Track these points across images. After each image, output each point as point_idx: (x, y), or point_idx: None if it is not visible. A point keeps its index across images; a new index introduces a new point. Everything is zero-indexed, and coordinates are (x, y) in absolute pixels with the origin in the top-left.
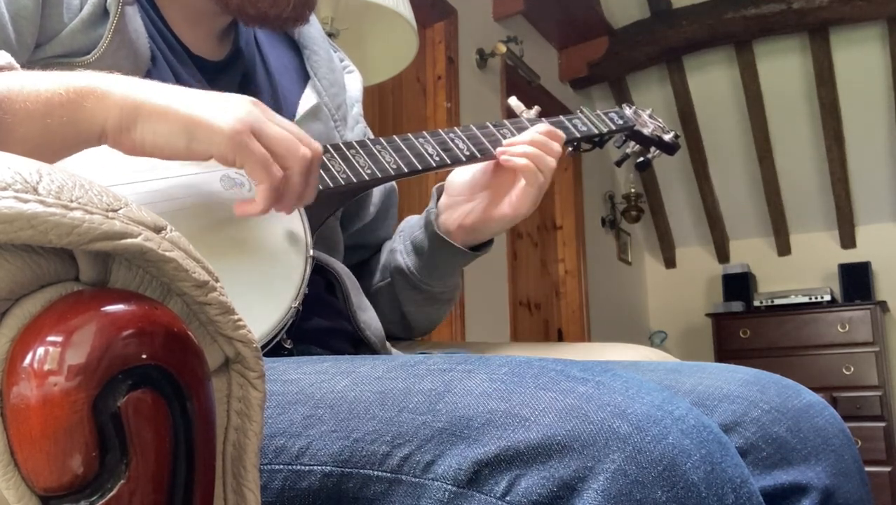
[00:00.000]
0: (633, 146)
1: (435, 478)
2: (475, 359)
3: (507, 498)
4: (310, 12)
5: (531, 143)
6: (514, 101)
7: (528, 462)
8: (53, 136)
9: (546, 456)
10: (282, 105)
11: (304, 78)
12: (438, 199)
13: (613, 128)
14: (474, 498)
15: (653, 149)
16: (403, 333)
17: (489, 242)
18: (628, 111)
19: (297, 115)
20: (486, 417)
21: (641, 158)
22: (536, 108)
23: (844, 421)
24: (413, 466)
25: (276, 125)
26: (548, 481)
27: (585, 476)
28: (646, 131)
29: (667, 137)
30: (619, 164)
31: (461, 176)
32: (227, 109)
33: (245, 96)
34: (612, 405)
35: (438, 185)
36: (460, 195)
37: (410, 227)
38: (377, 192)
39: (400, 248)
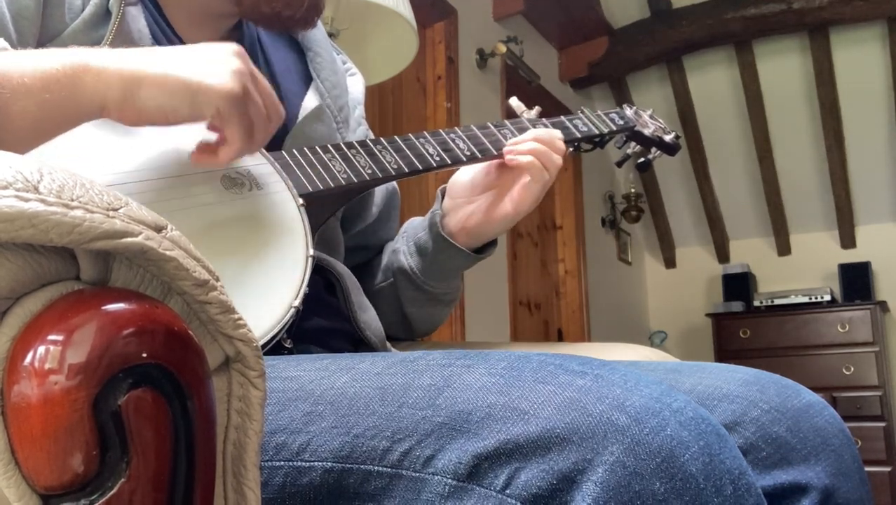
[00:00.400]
0: (633, 147)
1: (435, 472)
2: (474, 354)
3: (507, 491)
4: (318, 17)
5: (536, 139)
6: (514, 102)
7: (527, 455)
8: (52, 110)
9: (545, 449)
10: (285, 106)
11: (307, 80)
12: (443, 200)
13: (614, 128)
14: (474, 492)
15: (654, 149)
16: (404, 334)
17: (493, 245)
18: (629, 112)
19: (300, 117)
20: (485, 411)
21: (642, 159)
22: (537, 109)
23: (844, 421)
24: (413, 460)
25: (258, 87)
26: (547, 474)
27: (584, 468)
28: (647, 132)
29: (667, 138)
30: (619, 164)
31: (462, 178)
32: (222, 70)
33: (232, 49)
34: (611, 398)
35: (442, 186)
36: (461, 197)
37: (413, 228)
38: (379, 194)
39: (403, 248)
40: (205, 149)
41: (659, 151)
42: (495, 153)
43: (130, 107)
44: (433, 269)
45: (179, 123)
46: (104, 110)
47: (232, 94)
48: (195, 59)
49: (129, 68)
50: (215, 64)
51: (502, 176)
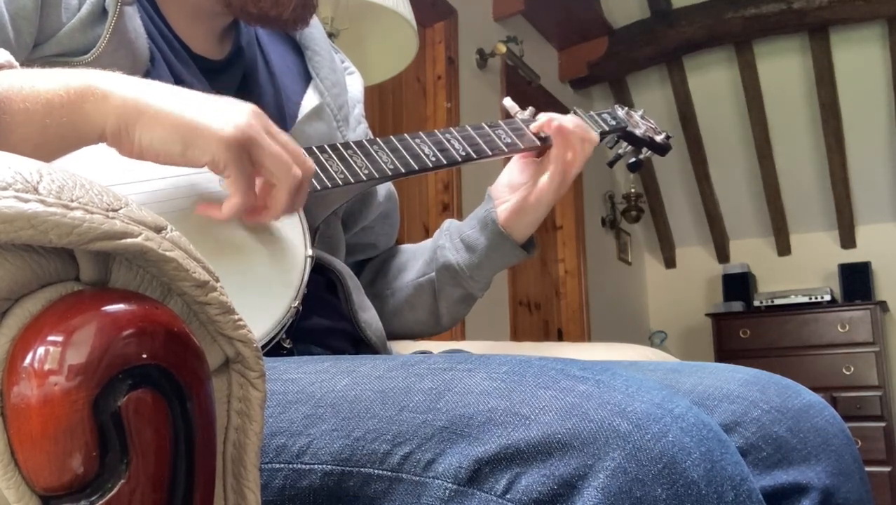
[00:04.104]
0: (625, 147)
1: (436, 476)
2: (475, 358)
3: (508, 496)
4: (310, 15)
5: (574, 125)
6: (508, 102)
7: (528, 460)
8: (52, 135)
9: (546, 454)
10: (284, 105)
11: (306, 79)
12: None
13: (606, 128)
14: (475, 496)
15: (645, 150)
16: (428, 330)
17: (534, 244)
18: (620, 112)
19: (300, 116)
20: (486, 416)
21: (633, 159)
22: (531, 109)
23: (844, 421)
24: (414, 464)
25: (272, 140)
26: (548, 479)
27: (586, 474)
28: (638, 132)
29: (658, 138)
30: (611, 165)
31: (501, 178)
32: (226, 117)
33: (248, 105)
34: (612, 403)
35: (490, 187)
36: (500, 197)
37: (457, 226)
38: (381, 193)
39: (448, 245)
40: (210, 204)
41: (650, 152)
42: (490, 153)
43: (126, 140)
44: (482, 264)
45: (173, 164)
46: (102, 138)
47: (229, 143)
48: (203, 104)
49: (130, 97)
50: (222, 112)
51: (536, 171)
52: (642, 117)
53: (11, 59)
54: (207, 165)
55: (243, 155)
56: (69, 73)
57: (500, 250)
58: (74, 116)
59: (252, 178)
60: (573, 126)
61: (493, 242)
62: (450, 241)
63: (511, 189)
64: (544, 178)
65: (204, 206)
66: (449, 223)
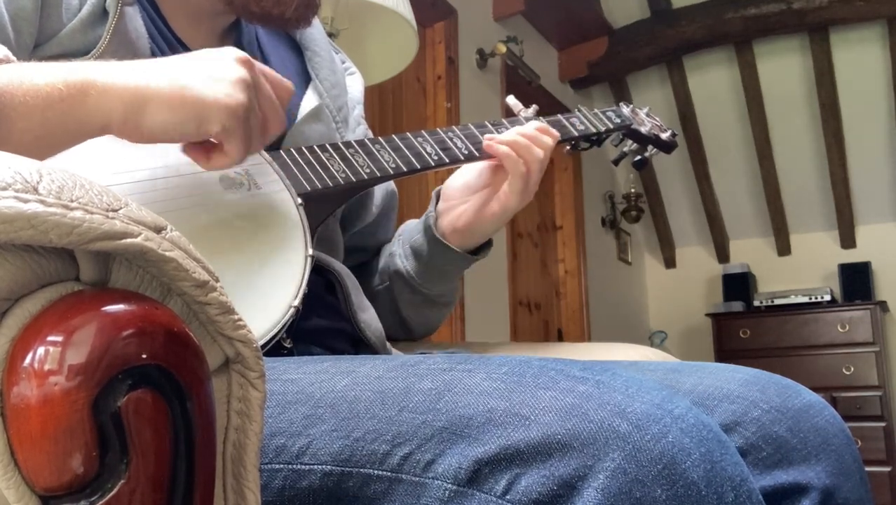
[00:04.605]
0: (630, 144)
1: (435, 477)
2: (475, 358)
3: (508, 497)
4: (313, 15)
5: (520, 134)
6: (511, 100)
7: (528, 461)
8: (54, 128)
9: (546, 455)
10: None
11: (306, 79)
12: (437, 202)
13: (611, 126)
14: (475, 497)
15: (650, 147)
16: (403, 336)
17: (487, 246)
18: (626, 110)
19: (299, 117)
20: (486, 416)
21: (639, 157)
22: (534, 107)
23: (844, 421)
24: (413, 464)
25: (265, 91)
26: (548, 480)
27: (585, 474)
28: (643, 130)
29: (664, 136)
30: (616, 162)
31: (456, 180)
32: (228, 83)
33: (237, 56)
34: (612, 404)
35: (438, 188)
36: (454, 199)
37: (409, 231)
38: (378, 194)
39: (399, 251)
40: (199, 148)
41: (655, 149)
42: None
43: (134, 126)
44: (429, 271)
45: (185, 141)
46: (108, 128)
47: (237, 110)
48: (200, 72)
49: (133, 86)
50: (221, 76)
51: (495, 176)
52: (648, 115)
53: (10, 54)
54: (216, 134)
55: (248, 119)
56: (68, 66)
57: (443, 257)
58: (77, 110)
59: (248, 141)
60: (514, 136)
61: (434, 250)
62: (401, 247)
63: (467, 191)
64: (506, 186)
65: (192, 150)
66: (405, 227)
